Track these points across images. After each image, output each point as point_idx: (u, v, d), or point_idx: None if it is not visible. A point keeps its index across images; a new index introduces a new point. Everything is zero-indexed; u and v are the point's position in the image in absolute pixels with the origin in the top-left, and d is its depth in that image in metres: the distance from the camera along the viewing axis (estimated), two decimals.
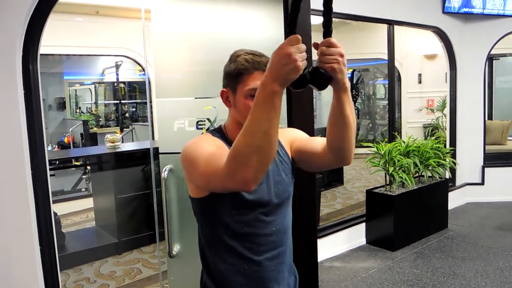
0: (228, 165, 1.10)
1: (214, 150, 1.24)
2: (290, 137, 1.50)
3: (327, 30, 1.10)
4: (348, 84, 1.17)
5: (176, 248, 2.48)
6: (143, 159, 4.81)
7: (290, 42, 1.01)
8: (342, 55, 1.10)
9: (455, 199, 5.81)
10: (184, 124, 2.39)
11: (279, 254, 1.41)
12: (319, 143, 1.39)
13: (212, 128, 1.53)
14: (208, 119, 2.35)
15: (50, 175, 2.56)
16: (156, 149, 2.57)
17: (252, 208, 1.34)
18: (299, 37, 1.01)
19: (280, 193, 1.40)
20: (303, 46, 1.02)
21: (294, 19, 1.06)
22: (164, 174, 2.41)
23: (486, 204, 5.99)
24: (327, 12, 1.10)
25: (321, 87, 1.11)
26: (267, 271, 1.38)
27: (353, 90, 9.88)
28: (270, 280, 1.39)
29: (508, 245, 4.56)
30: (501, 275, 3.86)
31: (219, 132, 1.41)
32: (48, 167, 2.50)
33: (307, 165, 1.48)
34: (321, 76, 1.09)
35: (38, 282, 2.46)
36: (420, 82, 8.33)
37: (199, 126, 2.38)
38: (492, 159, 6.31)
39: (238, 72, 1.33)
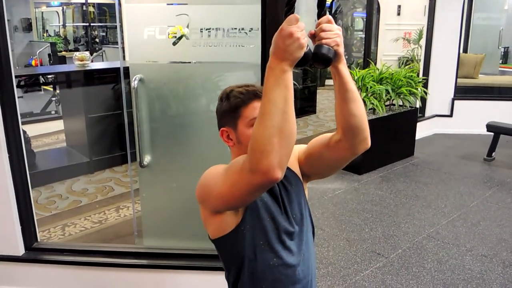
0: (250, 157, 1.04)
1: (229, 163, 1.19)
2: (294, 154, 1.40)
3: (322, 10, 1.12)
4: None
5: (146, 159, 2.50)
6: (113, 77, 4.70)
7: (289, 22, 1.00)
8: (340, 30, 1.10)
9: (423, 130, 5.96)
10: (154, 31, 2.31)
11: (307, 283, 1.34)
12: (324, 137, 1.32)
13: None
14: (179, 27, 2.28)
15: (18, 97, 2.47)
16: (126, 69, 2.49)
17: (279, 238, 1.28)
18: (297, 16, 1.01)
19: (298, 219, 1.33)
20: (302, 25, 1.00)
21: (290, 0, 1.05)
22: (134, 83, 2.36)
23: (453, 135, 6.18)
24: None
25: (328, 63, 1.10)
26: None
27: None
28: None
29: (470, 173, 4.77)
30: (460, 198, 4.07)
31: None
32: (14, 82, 2.41)
33: (324, 167, 1.39)
34: (328, 51, 1.07)
35: (9, 195, 2.45)
36: (399, 14, 8.22)
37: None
38: (463, 92, 6.43)
39: (235, 107, 1.28)
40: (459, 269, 2.90)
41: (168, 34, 2.32)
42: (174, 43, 2.31)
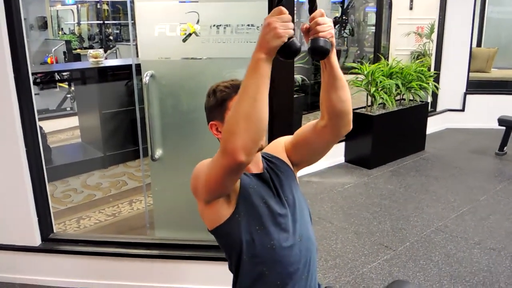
0: (221, 139, 1.13)
1: None
2: (280, 145, 1.51)
3: (313, 5, 1.15)
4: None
5: (158, 153, 2.57)
6: (127, 74, 4.79)
7: (272, 14, 1.06)
8: (331, 22, 1.14)
9: (434, 124, 5.95)
10: (165, 29, 2.38)
11: (306, 263, 1.40)
12: (309, 125, 1.40)
13: None
14: (190, 24, 2.34)
15: (35, 94, 2.57)
16: (139, 65, 2.55)
17: (274, 220, 1.35)
18: (282, 8, 1.05)
19: (290, 201, 1.41)
20: (286, 17, 1.05)
21: None
22: (146, 79, 2.44)
23: (464, 130, 6.16)
24: None
25: (326, 55, 1.15)
26: (298, 281, 1.37)
27: (343, 16, 9.68)
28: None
29: (480, 167, 4.77)
30: (470, 193, 4.08)
31: None
32: (31, 79, 2.50)
33: (311, 153, 1.47)
34: (326, 43, 1.12)
35: (26, 187, 2.55)
36: (411, 8, 8.19)
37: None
38: (475, 86, 6.39)
39: (221, 100, 1.37)
40: (466, 262, 2.92)
41: (180, 31, 2.37)
42: (184, 40, 2.37)
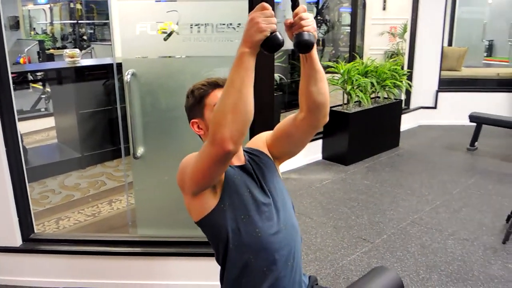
0: (209, 130, 1.19)
1: None
2: (261, 140, 1.58)
3: (295, 1, 1.20)
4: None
5: (140, 151, 2.58)
6: (104, 74, 4.77)
7: (255, 10, 1.12)
8: (313, 17, 1.22)
9: (408, 121, 6.11)
10: (146, 27, 2.39)
11: (290, 250, 1.45)
12: (289, 118, 1.46)
13: None
14: (170, 23, 2.36)
15: None
16: (119, 65, 2.56)
17: (258, 209, 1.40)
18: (265, 4, 1.11)
19: (273, 191, 1.46)
20: (269, 12, 1.11)
21: None
22: (127, 77, 2.45)
23: (437, 127, 6.34)
24: None
25: (311, 48, 1.20)
26: (284, 268, 1.42)
27: (318, 16, 9.80)
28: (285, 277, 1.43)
29: (453, 162, 4.93)
30: (443, 186, 4.21)
31: None
32: (11, 79, 2.49)
33: (291, 145, 1.52)
34: (310, 37, 1.17)
35: (7, 188, 2.53)
36: (384, 9, 8.34)
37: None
38: (446, 84, 6.59)
39: (199, 98, 1.46)
40: (441, 252, 3.03)
41: (158, 30, 2.40)
42: (165, 39, 2.39)
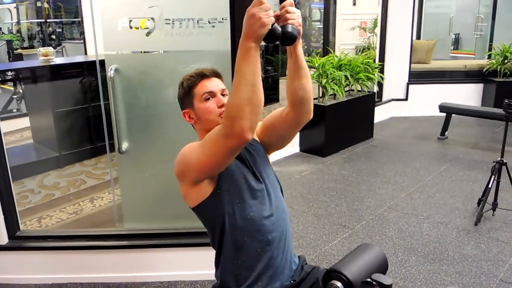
0: (225, 124, 1.24)
1: (203, 139, 1.37)
2: None
3: None
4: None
5: (124, 145, 2.62)
6: (79, 72, 4.74)
7: (253, 5, 1.16)
8: (300, 13, 1.27)
9: (381, 114, 6.27)
10: (128, 23, 2.42)
11: (282, 232, 1.54)
12: (277, 111, 1.54)
13: None
14: (152, 18, 2.40)
15: None
16: (102, 62, 2.58)
17: (252, 194, 1.47)
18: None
19: (264, 177, 1.54)
20: (266, 6, 1.17)
21: None
22: (110, 73, 2.48)
23: (408, 118, 6.54)
24: None
25: (294, 41, 1.26)
26: (277, 249, 1.50)
27: None
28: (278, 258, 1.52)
29: (425, 151, 5.11)
30: (417, 174, 4.38)
31: None
32: None
33: (277, 137, 1.60)
34: (293, 30, 1.24)
35: None
36: (354, 4, 8.51)
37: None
38: (416, 77, 6.80)
39: (188, 89, 1.51)
40: (417, 235, 3.17)
41: (131, 27, 2.43)
42: (147, 34, 2.43)
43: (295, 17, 1.25)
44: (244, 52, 1.19)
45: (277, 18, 1.26)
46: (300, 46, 1.34)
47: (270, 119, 1.58)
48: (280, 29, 1.21)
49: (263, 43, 1.23)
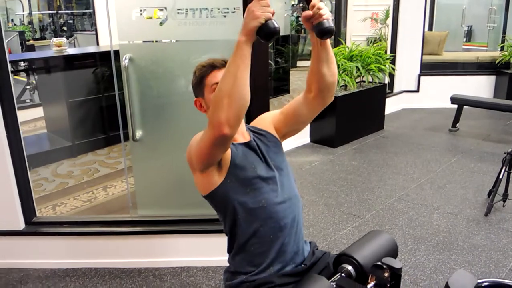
0: (208, 115, 1.29)
1: None
2: (267, 120, 1.68)
3: None
4: None
5: (138, 134, 2.66)
6: (92, 62, 4.79)
7: (254, 0, 1.20)
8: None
9: (392, 105, 6.26)
10: (142, 12, 2.45)
11: (294, 218, 1.56)
12: (299, 98, 1.58)
13: None
14: (165, 8, 2.43)
15: None
16: (116, 52, 2.61)
17: (263, 182, 1.50)
18: None
19: (277, 165, 1.57)
20: (264, 2, 1.20)
21: None
22: (125, 62, 2.51)
23: (419, 110, 6.52)
24: None
25: (331, 35, 1.31)
26: (289, 235, 1.54)
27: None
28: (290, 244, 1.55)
29: (436, 142, 5.10)
30: (427, 165, 4.38)
31: None
32: (9, 65, 2.54)
33: (298, 123, 1.64)
34: (330, 24, 1.28)
35: (9, 172, 2.59)
36: None
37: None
38: (428, 68, 6.77)
39: (200, 78, 1.55)
40: (427, 225, 3.19)
41: (153, 14, 2.46)
42: (161, 23, 2.46)
43: (327, 11, 1.29)
44: (236, 45, 1.23)
45: (309, 18, 1.30)
46: None
47: (292, 106, 1.62)
48: (275, 24, 1.21)
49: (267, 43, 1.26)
